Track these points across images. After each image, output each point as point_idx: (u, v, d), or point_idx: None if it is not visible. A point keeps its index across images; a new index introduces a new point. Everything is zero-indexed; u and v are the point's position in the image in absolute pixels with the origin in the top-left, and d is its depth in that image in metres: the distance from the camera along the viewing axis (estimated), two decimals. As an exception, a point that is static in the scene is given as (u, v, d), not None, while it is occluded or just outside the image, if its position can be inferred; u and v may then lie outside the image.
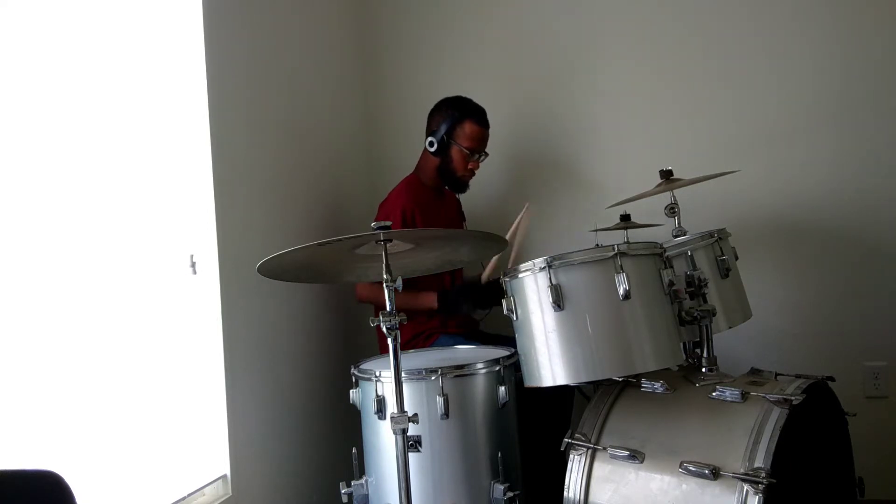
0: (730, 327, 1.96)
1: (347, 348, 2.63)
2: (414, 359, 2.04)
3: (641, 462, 1.68)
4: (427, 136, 2.50)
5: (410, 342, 2.39)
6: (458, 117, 2.45)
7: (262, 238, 2.17)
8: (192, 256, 1.95)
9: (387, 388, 1.79)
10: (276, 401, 2.20)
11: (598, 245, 2.02)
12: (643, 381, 1.80)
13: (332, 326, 2.60)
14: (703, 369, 1.83)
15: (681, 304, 1.80)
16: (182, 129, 1.95)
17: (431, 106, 2.53)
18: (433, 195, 2.55)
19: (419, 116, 2.55)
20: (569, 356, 1.69)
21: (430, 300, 2.34)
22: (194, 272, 1.95)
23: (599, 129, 2.83)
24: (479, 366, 1.84)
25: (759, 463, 1.51)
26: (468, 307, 2.33)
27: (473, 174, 2.53)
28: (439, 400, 1.74)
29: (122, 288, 1.76)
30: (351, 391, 1.93)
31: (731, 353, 2.27)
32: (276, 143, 2.32)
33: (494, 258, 2.29)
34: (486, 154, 2.53)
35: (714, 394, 1.70)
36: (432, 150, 2.46)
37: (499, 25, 2.93)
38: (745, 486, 1.50)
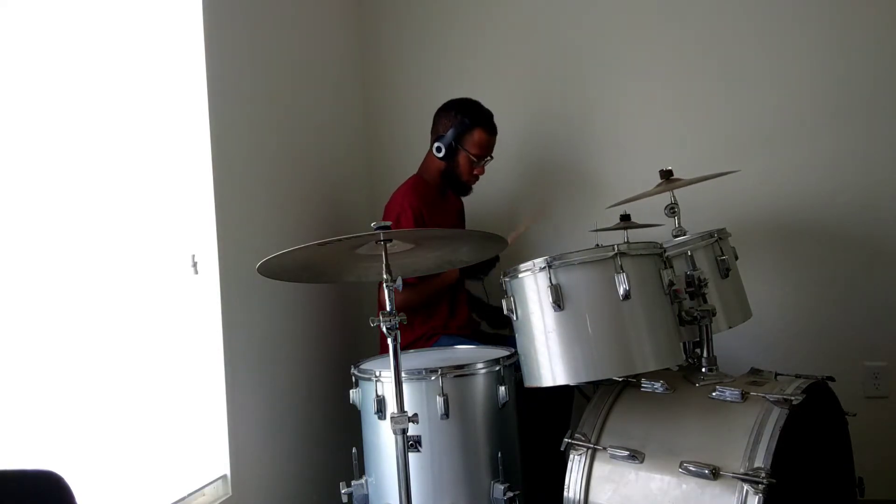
0: (730, 327, 1.96)
1: (347, 348, 2.63)
2: (414, 359, 2.04)
3: (641, 462, 1.67)
4: (433, 138, 2.48)
5: (412, 343, 2.39)
6: (469, 125, 2.42)
7: (262, 238, 2.16)
8: (193, 256, 1.95)
9: (387, 388, 1.79)
10: (276, 401, 2.20)
11: (598, 245, 2.02)
12: (643, 381, 1.80)
13: (332, 326, 2.60)
14: (703, 369, 1.83)
15: (681, 304, 1.79)
16: (182, 129, 1.95)
17: (432, 106, 2.51)
18: (438, 196, 2.54)
19: (419, 117, 2.55)
20: (569, 356, 1.69)
21: (452, 274, 2.40)
22: (196, 272, 1.95)
23: (599, 129, 2.83)
24: (479, 366, 1.84)
25: (759, 463, 1.51)
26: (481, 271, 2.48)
27: (478, 179, 2.53)
28: (439, 400, 1.74)
29: (122, 288, 1.76)
30: (351, 391, 1.93)
31: (731, 353, 2.27)
32: (276, 143, 2.32)
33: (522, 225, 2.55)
34: (491, 157, 2.51)
35: (714, 394, 1.70)
36: (439, 155, 2.44)
37: (499, 27, 2.93)
38: (745, 486, 1.50)
